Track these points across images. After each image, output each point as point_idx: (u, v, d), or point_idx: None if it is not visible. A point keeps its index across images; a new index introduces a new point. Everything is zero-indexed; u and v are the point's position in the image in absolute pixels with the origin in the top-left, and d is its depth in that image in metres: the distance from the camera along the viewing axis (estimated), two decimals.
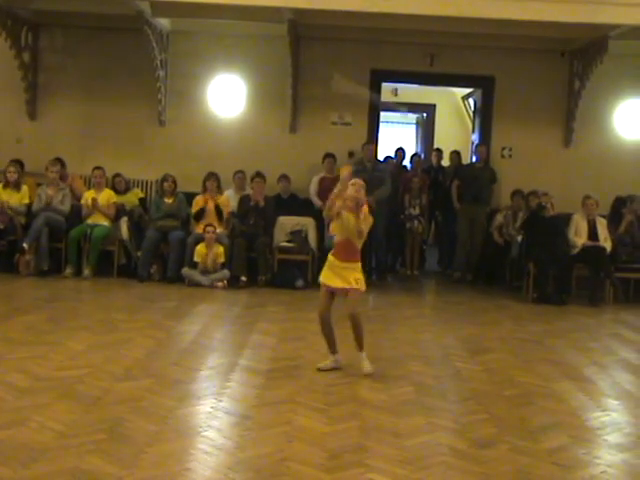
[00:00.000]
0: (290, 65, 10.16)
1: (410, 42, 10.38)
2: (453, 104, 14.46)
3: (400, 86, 14.02)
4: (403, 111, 14.14)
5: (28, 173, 9.83)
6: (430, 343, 6.87)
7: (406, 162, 11.77)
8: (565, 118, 10.68)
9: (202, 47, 10.56)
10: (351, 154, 10.54)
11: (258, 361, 5.80)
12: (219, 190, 9.57)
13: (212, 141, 10.58)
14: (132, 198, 9.89)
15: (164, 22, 10.24)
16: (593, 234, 9.43)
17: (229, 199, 9.72)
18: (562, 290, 9.15)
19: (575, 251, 9.35)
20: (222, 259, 9.03)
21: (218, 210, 9.39)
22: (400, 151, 11.68)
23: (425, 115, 14.94)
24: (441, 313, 8.51)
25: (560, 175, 10.59)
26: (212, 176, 9.49)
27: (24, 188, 9.39)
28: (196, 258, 8.97)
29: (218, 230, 9.17)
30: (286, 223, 9.73)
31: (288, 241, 9.63)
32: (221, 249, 9.06)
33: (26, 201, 9.35)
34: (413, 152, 12.78)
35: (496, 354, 6.52)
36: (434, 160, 12.08)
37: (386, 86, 11.96)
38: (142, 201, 10.05)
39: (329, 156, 10.14)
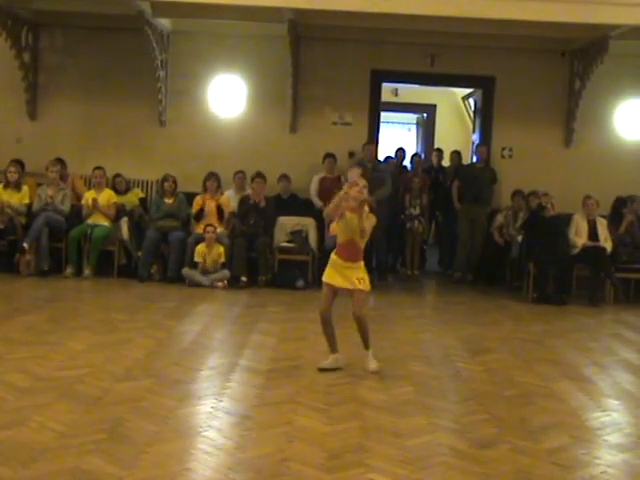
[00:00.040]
0: (290, 65, 10.16)
1: (410, 42, 10.38)
2: (453, 104, 14.46)
3: (400, 86, 14.03)
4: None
5: (28, 173, 9.84)
6: (430, 343, 6.87)
7: (406, 162, 11.77)
8: (565, 118, 10.68)
9: (202, 47, 10.56)
10: (351, 154, 10.54)
11: (258, 361, 5.80)
12: (219, 190, 9.57)
13: (212, 141, 10.58)
14: (132, 198, 9.90)
15: (165, 22, 10.24)
16: (593, 234, 9.43)
17: (229, 199, 9.72)
18: (562, 290, 9.15)
19: (575, 251, 9.35)
20: (222, 259, 9.03)
21: (219, 210, 9.39)
22: (400, 151, 11.70)
23: (425, 115, 14.94)
24: (441, 313, 8.51)
25: (560, 175, 10.58)
26: (212, 176, 9.49)
27: (24, 188, 9.39)
28: (196, 258, 8.97)
29: (218, 230, 9.18)
30: (286, 223, 9.73)
31: (288, 241, 9.63)
32: (221, 249, 9.06)
33: (26, 201, 9.35)
34: (413, 152, 12.78)
35: (496, 354, 6.51)
36: (434, 160, 12.08)
37: (386, 86, 11.96)
38: (142, 201, 10.05)
39: (329, 156, 10.14)
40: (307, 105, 10.61)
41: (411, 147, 14.35)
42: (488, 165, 10.63)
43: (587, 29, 9.40)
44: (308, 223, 9.72)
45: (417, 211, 10.74)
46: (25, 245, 8.84)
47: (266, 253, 9.31)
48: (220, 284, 8.91)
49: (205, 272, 8.96)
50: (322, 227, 9.64)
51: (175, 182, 9.58)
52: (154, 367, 5.48)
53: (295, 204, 10.03)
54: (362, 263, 5.63)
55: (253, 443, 4.12)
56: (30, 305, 7.67)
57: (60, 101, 10.69)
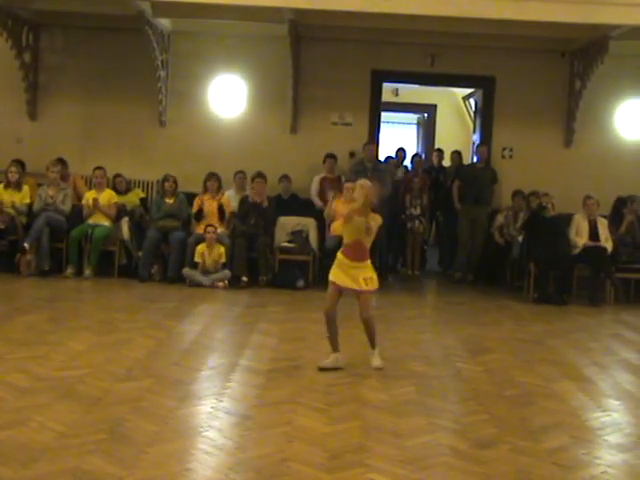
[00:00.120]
0: (291, 65, 10.17)
1: (411, 42, 10.38)
2: (454, 104, 14.46)
3: (401, 86, 14.03)
4: None
5: (29, 173, 9.85)
6: (431, 343, 6.87)
7: (407, 162, 11.77)
8: (566, 118, 10.68)
9: (203, 47, 10.56)
10: (352, 154, 10.54)
11: (259, 361, 5.80)
12: (220, 190, 9.57)
13: (213, 141, 10.58)
14: (133, 198, 9.90)
15: (165, 22, 10.25)
16: (594, 234, 9.42)
17: (230, 199, 9.72)
18: (563, 290, 9.15)
19: (576, 251, 9.35)
20: (223, 259, 9.03)
21: (220, 210, 9.39)
22: (401, 151, 11.70)
23: (426, 115, 14.94)
24: (442, 313, 8.51)
25: (561, 175, 10.58)
26: (213, 176, 9.49)
27: (25, 188, 9.40)
28: (197, 258, 8.97)
29: (219, 230, 9.18)
30: (287, 223, 9.73)
31: (289, 241, 9.63)
32: (222, 249, 9.06)
33: (27, 201, 9.35)
34: (414, 152, 12.78)
35: (497, 354, 6.51)
36: (435, 160, 12.07)
37: (387, 86, 11.96)
38: (143, 201, 10.06)
39: (330, 156, 10.14)
40: (307, 105, 10.61)
41: (411, 147, 14.34)
42: (488, 165, 10.63)
43: (587, 29, 9.40)
44: (308, 223, 9.72)
45: (418, 211, 10.73)
46: (26, 245, 8.84)
47: (266, 253, 9.31)
48: (221, 284, 8.91)
49: (205, 272, 8.96)
50: (323, 227, 9.66)
51: (175, 182, 9.58)
52: (154, 367, 5.48)
53: (296, 204, 10.03)
54: (369, 262, 5.65)
55: (253, 443, 4.12)
56: (31, 305, 7.68)
57: (60, 101, 10.70)
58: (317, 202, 10.02)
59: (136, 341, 6.21)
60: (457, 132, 14.20)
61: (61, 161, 9.80)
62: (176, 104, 10.61)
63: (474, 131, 12.15)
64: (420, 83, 12.33)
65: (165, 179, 9.58)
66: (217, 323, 7.42)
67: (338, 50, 10.54)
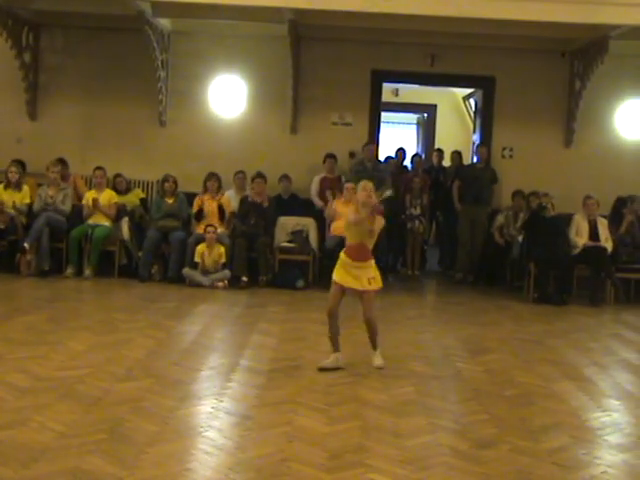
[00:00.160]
0: (291, 65, 10.17)
1: (411, 42, 10.38)
2: (454, 104, 14.46)
3: (401, 86, 14.03)
4: None
5: (29, 173, 9.85)
6: (431, 343, 6.87)
7: (407, 162, 11.77)
8: (566, 118, 10.68)
9: (203, 47, 10.57)
10: (352, 154, 10.54)
11: (259, 361, 5.80)
12: (220, 191, 9.57)
13: (213, 141, 10.58)
14: (133, 198, 9.90)
15: (165, 22, 10.25)
16: (594, 234, 9.42)
17: (230, 199, 9.72)
18: (563, 290, 9.15)
19: (576, 251, 9.35)
20: (223, 259, 9.03)
21: (221, 210, 9.39)
22: (401, 151, 11.70)
23: (426, 115, 14.94)
24: (442, 313, 8.51)
25: (561, 175, 10.58)
26: (213, 176, 9.49)
27: (25, 188, 9.39)
28: (197, 258, 8.97)
29: (219, 230, 9.18)
30: (287, 223, 9.73)
31: (289, 241, 9.63)
32: (222, 249, 9.06)
33: (27, 201, 9.35)
34: (414, 152, 12.78)
35: (497, 354, 6.51)
36: (435, 160, 12.07)
37: (387, 86, 11.96)
38: (143, 201, 10.06)
39: (330, 156, 10.14)
40: (307, 105, 10.60)
41: (411, 147, 14.34)
42: (488, 165, 10.63)
43: (587, 29, 9.40)
44: (308, 223, 9.73)
45: (418, 211, 10.73)
46: (26, 245, 8.84)
47: (266, 253, 9.31)
48: (220, 284, 8.91)
49: (205, 272, 8.96)
50: (322, 227, 9.66)
51: (175, 182, 9.58)
52: (154, 367, 5.48)
53: (295, 204, 10.03)
54: (372, 262, 5.66)
55: (253, 443, 4.12)
56: (31, 305, 7.68)
57: (60, 101, 10.70)
58: (317, 202, 10.03)
59: (136, 341, 6.21)
60: (457, 132, 14.20)
61: (61, 161, 9.81)
62: (176, 104, 10.61)
63: (474, 131, 12.15)
64: (420, 83, 12.33)
65: (165, 179, 9.58)
66: (217, 323, 7.42)
67: (338, 50, 10.54)
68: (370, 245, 5.64)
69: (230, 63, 10.55)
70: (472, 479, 3.83)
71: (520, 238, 9.70)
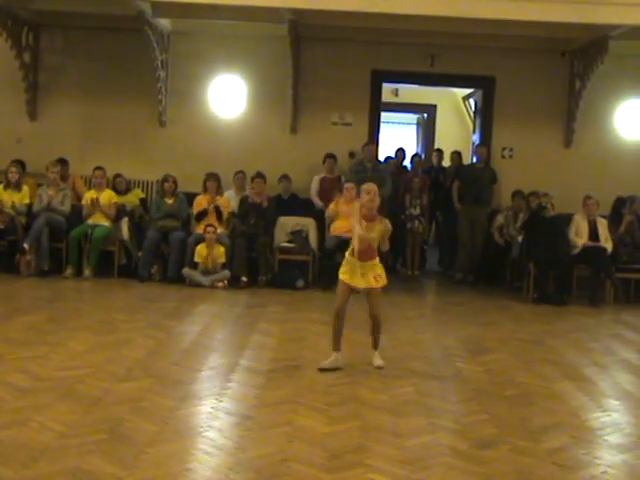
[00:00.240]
0: (291, 65, 10.17)
1: (410, 42, 10.38)
2: (454, 104, 14.46)
3: (401, 86, 14.02)
4: None
5: (29, 173, 9.85)
6: (431, 343, 6.87)
7: (406, 162, 11.77)
8: (566, 118, 10.68)
9: (203, 47, 10.56)
10: (352, 154, 10.55)
11: (259, 361, 5.80)
12: (219, 191, 9.57)
13: (213, 141, 10.59)
14: (133, 198, 9.90)
15: (165, 22, 10.25)
16: (594, 234, 9.42)
17: (229, 199, 9.72)
18: (562, 290, 9.15)
19: (576, 251, 9.35)
20: (223, 259, 9.03)
21: (218, 211, 9.38)
22: (400, 151, 11.70)
23: (426, 115, 14.94)
24: (442, 313, 8.51)
25: (561, 175, 10.58)
26: (212, 177, 9.48)
27: (25, 188, 9.39)
28: (197, 258, 8.97)
29: (219, 230, 9.18)
30: (287, 223, 9.73)
31: (289, 241, 9.63)
32: (222, 249, 9.06)
33: (27, 201, 9.35)
34: (414, 152, 12.77)
35: (497, 354, 6.51)
36: (435, 160, 12.08)
37: (387, 86, 11.97)
38: (143, 201, 10.06)
39: (330, 156, 10.15)
40: (307, 105, 10.61)
41: (411, 147, 14.34)
42: (488, 165, 10.63)
43: (587, 29, 9.40)
44: (308, 223, 9.73)
45: (417, 211, 10.73)
46: (25, 245, 8.84)
47: (266, 253, 9.31)
48: (220, 284, 8.91)
49: (205, 272, 8.96)
50: (322, 227, 9.66)
51: (175, 182, 9.58)
52: (154, 367, 5.48)
53: (295, 204, 10.03)
54: (377, 259, 5.69)
55: (253, 443, 4.12)
56: (30, 305, 7.68)
57: (60, 101, 10.70)
58: (317, 202, 10.03)
59: (136, 341, 6.21)
60: (457, 132, 14.20)
61: (62, 161, 9.81)
62: (176, 104, 10.61)
63: (474, 131, 12.15)
64: (420, 83, 12.33)
65: (165, 179, 9.58)
66: (217, 323, 7.41)
67: (338, 50, 10.55)
68: (375, 245, 5.66)
69: (230, 63, 10.55)
70: (472, 479, 3.83)
71: (520, 238, 9.70)
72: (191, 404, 4.76)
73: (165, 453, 3.90)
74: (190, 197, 9.60)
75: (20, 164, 9.60)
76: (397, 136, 14.95)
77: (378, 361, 5.70)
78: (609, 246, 9.36)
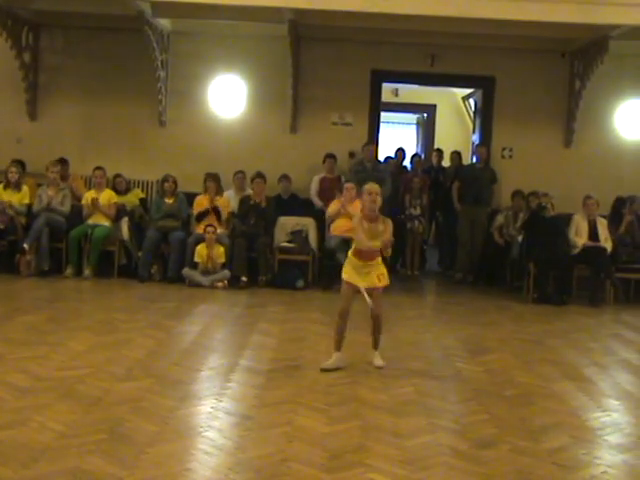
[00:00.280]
0: (291, 65, 10.17)
1: (410, 42, 10.38)
2: (454, 104, 14.46)
3: (401, 86, 14.03)
4: None
5: (29, 173, 9.85)
6: (431, 343, 6.87)
7: (406, 162, 11.77)
8: (565, 118, 10.68)
9: (203, 47, 10.56)
10: (352, 154, 10.54)
11: (259, 361, 5.80)
12: (219, 191, 9.56)
13: (213, 141, 10.58)
14: (133, 198, 9.90)
15: (165, 22, 10.25)
16: (594, 234, 9.42)
17: (229, 200, 9.72)
18: (562, 290, 9.15)
19: (575, 251, 9.35)
20: (222, 259, 9.03)
21: (216, 211, 9.38)
22: (400, 151, 11.70)
23: (425, 115, 14.94)
24: (441, 314, 8.51)
25: (560, 175, 10.58)
26: (212, 177, 9.48)
27: (24, 188, 9.39)
28: (196, 258, 8.97)
29: (219, 230, 9.18)
30: (286, 223, 9.73)
31: (288, 241, 9.63)
32: (221, 249, 9.06)
33: (27, 201, 9.35)
34: (413, 152, 12.78)
35: (496, 354, 6.51)
36: (434, 160, 12.08)
37: (387, 86, 11.97)
38: (143, 201, 10.06)
39: (330, 156, 10.15)
40: (307, 105, 10.61)
41: (411, 147, 14.34)
42: (488, 165, 10.63)
43: (587, 29, 9.39)
44: (308, 223, 9.73)
45: (417, 211, 10.74)
46: (25, 245, 8.84)
47: (266, 253, 9.31)
48: (220, 284, 8.91)
49: (205, 272, 8.96)
50: (322, 227, 9.66)
51: (175, 182, 9.58)
52: (154, 367, 5.48)
53: (295, 204, 10.04)
54: (380, 259, 5.71)
55: (253, 443, 4.12)
56: (30, 305, 7.68)
57: (60, 101, 10.70)
58: (317, 202, 10.03)
59: (136, 341, 6.21)
60: (457, 132, 14.20)
61: (62, 161, 9.81)
62: (176, 104, 10.61)
63: (474, 131, 12.15)
64: (420, 83, 12.33)
65: (165, 179, 9.58)
66: (217, 323, 7.41)
67: (338, 50, 10.54)
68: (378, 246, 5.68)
69: (230, 63, 10.55)
70: (472, 479, 3.83)
71: (520, 238, 9.70)
72: (191, 404, 4.76)
73: (165, 453, 3.90)
74: (190, 197, 9.60)
75: (20, 164, 9.61)
76: (397, 136, 14.95)
77: (378, 361, 5.71)
78: (609, 246, 9.37)
